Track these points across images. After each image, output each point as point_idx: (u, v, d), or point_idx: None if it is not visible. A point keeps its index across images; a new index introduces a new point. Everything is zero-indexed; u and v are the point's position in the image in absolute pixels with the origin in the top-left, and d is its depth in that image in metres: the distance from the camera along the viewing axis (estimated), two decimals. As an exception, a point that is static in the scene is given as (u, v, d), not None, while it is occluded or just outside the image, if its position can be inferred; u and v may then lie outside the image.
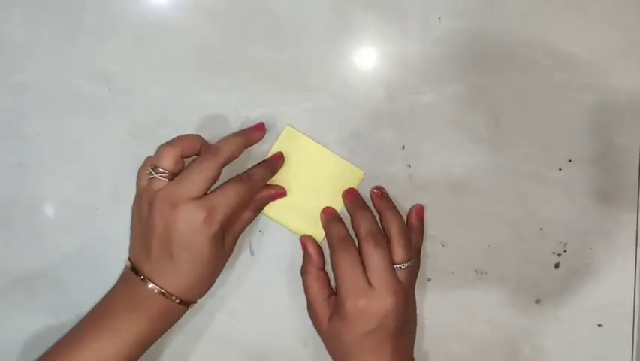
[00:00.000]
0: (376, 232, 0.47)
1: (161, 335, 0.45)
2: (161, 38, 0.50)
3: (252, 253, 0.52)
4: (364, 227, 0.47)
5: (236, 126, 0.51)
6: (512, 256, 0.52)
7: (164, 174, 0.44)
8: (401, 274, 0.46)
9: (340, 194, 0.51)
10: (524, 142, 0.50)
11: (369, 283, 0.45)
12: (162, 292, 0.43)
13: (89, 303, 0.52)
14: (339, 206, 0.51)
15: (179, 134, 0.50)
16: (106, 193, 0.51)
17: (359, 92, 0.50)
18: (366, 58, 0.50)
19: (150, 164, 0.45)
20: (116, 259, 0.49)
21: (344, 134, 0.51)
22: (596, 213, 0.51)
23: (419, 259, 0.50)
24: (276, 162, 0.50)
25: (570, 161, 0.50)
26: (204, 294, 0.47)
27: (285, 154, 0.50)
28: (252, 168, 0.49)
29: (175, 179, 0.44)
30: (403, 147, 0.51)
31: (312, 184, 0.51)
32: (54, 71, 0.50)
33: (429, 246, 0.52)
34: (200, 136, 0.47)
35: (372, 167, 0.51)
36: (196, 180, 0.43)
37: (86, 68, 0.50)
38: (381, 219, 0.49)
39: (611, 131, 0.49)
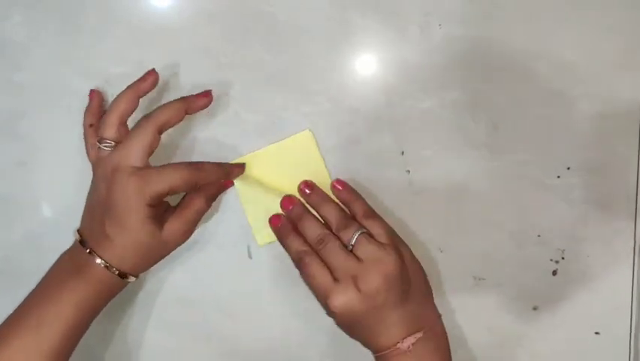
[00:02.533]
0: (343, 217, 0.47)
1: (105, 304, 0.46)
2: (160, 40, 0.50)
3: (250, 256, 0.52)
4: (332, 220, 0.47)
5: (235, 128, 0.51)
6: (510, 263, 0.52)
7: (107, 144, 0.45)
8: (367, 248, 0.45)
9: (308, 158, 0.50)
10: (523, 149, 0.50)
11: (359, 260, 0.44)
12: (101, 262, 0.44)
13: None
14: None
15: (177, 135, 0.50)
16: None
17: (358, 97, 0.50)
18: (366, 63, 0.50)
19: (95, 136, 0.47)
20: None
21: (343, 138, 0.51)
22: (594, 220, 0.51)
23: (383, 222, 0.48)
24: (233, 168, 0.49)
25: (568, 168, 0.50)
26: (143, 270, 0.47)
27: (286, 155, 0.50)
28: (208, 162, 0.48)
29: (116, 147, 0.45)
30: (403, 153, 0.51)
31: (286, 178, 0.50)
32: (54, 71, 0.50)
33: (427, 252, 0.52)
34: (132, 94, 0.46)
35: (370, 172, 0.51)
36: (133, 146, 0.44)
37: (85, 68, 0.50)
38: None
39: (610, 140, 0.50)
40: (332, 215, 0.47)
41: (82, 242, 0.45)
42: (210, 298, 0.51)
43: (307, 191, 0.49)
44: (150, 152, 0.45)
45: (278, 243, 0.49)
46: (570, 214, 0.51)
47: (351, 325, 0.45)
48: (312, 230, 0.47)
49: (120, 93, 0.46)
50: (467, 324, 0.52)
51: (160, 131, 0.45)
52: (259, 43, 0.50)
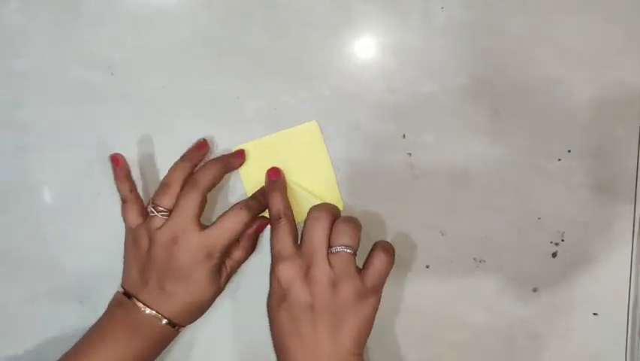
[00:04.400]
0: (327, 208, 0.47)
1: (156, 356, 0.48)
2: (160, 26, 0.50)
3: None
4: (319, 205, 0.48)
5: (236, 115, 0.51)
6: (510, 246, 0.52)
7: (164, 213, 0.47)
8: (335, 259, 0.44)
9: (312, 150, 0.50)
10: (524, 133, 0.50)
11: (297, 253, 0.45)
12: (157, 315, 0.46)
13: (89, 289, 0.53)
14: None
15: (178, 122, 0.50)
16: (107, 179, 0.51)
17: (359, 83, 0.50)
18: (367, 48, 0.50)
19: (139, 201, 0.49)
20: (117, 246, 0.50)
21: (343, 124, 0.51)
22: (594, 204, 0.51)
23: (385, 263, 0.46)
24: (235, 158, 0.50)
25: (569, 152, 0.50)
26: (195, 320, 0.49)
27: (292, 144, 0.50)
28: (248, 198, 0.50)
29: (170, 216, 0.47)
30: (404, 136, 0.51)
31: (290, 168, 0.50)
32: (53, 58, 0.50)
33: (428, 234, 0.52)
34: (188, 164, 0.49)
35: (372, 155, 0.51)
36: (186, 214, 0.47)
37: (85, 55, 0.50)
38: None
39: (610, 124, 0.50)
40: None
41: (128, 297, 0.47)
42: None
43: None
44: (201, 213, 0.47)
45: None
46: (570, 197, 0.51)
47: (277, 308, 0.45)
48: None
49: (180, 163, 0.49)
50: (467, 306, 0.53)
51: (205, 194, 0.47)
52: (259, 28, 0.50)
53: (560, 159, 0.50)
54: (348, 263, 0.44)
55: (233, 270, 0.50)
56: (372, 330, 0.46)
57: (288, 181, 0.50)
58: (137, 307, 0.46)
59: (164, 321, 0.46)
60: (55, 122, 0.51)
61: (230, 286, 0.51)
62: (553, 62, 0.49)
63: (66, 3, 0.50)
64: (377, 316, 0.46)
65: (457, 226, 0.52)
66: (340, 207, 0.51)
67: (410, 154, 0.51)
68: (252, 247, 0.51)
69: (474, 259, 0.53)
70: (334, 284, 0.44)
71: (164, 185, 0.48)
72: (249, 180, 0.51)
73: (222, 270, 0.49)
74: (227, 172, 0.50)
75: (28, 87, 0.51)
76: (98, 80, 0.50)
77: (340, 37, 0.50)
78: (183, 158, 0.49)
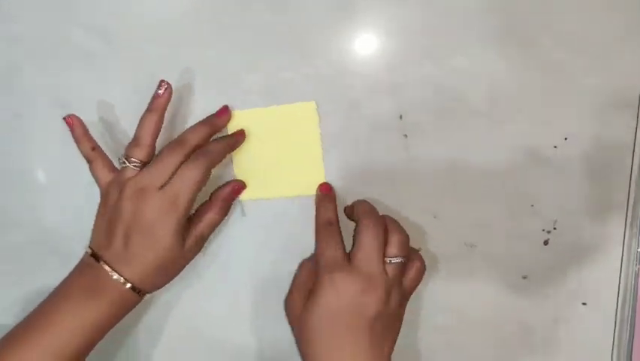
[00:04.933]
0: (377, 215, 0.48)
1: (117, 322, 0.46)
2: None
3: (244, 214, 0.52)
4: (365, 207, 0.48)
5: (235, 88, 0.51)
6: (502, 231, 0.52)
7: (137, 164, 0.46)
8: (390, 269, 0.46)
9: (305, 129, 0.50)
10: (521, 118, 0.50)
11: (350, 262, 0.45)
12: (120, 280, 0.45)
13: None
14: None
15: (177, 95, 0.50)
16: (103, 145, 0.50)
17: (359, 61, 0.50)
18: (368, 26, 0.50)
19: (104, 157, 0.48)
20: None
21: (342, 101, 0.51)
22: (588, 192, 0.51)
23: (421, 272, 0.49)
24: (236, 139, 0.50)
25: (566, 139, 0.50)
26: (160, 287, 0.48)
27: (285, 120, 0.50)
28: (209, 143, 0.49)
29: (145, 168, 0.46)
30: (401, 117, 0.51)
31: (279, 143, 0.51)
32: (51, 22, 0.50)
33: (421, 217, 0.52)
34: (154, 116, 0.47)
35: (368, 135, 0.51)
36: (163, 170, 0.45)
37: (85, 21, 0.50)
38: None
39: (609, 112, 0.50)
40: (367, 205, 0.49)
41: (97, 260, 0.46)
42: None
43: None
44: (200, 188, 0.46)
45: (260, 202, 0.51)
46: (565, 185, 0.51)
47: (313, 317, 0.45)
48: (370, 206, 0.49)
49: (147, 115, 0.47)
50: (456, 291, 0.53)
51: (189, 156, 0.46)
52: (261, 2, 0.49)
53: (555, 146, 0.50)
54: (400, 273, 0.47)
55: (205, 234, 0.49)
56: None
57: (274, 154, 0.51)
58: (102, 269, 0.45)
59: (128, 285, 0.45)
60: (53, 90, 0.51)
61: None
62: (554, 48, 0.49)
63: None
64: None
65: (450, 210, 0.52)
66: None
67: (406, 135, 0.51)
68: (225, 210, 0.50)
69: (465, 243, 0.53)
70: (388, 293, 0.45)
71: (136, 138, 0.47)
72: (238, 149, 0.51)
73: (191, 231, 0.48)
74: (213, 133, 0.49)
75: (25, 52, 0.50)
76: (97, 48, 0.50)
77: (341, 13, 0.50)
78: (151, 109, 0.47)
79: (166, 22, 0.50)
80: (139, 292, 0.46)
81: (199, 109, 0.51)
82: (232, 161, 0.51)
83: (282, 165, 0.51)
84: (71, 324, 0.44)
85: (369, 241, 0.45)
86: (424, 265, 0.48)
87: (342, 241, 0.47)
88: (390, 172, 0.51)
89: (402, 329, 0.47)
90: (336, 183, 0.51)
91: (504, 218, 0.52)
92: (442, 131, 0.51)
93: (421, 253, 0.52)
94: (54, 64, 0.51)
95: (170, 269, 0.47)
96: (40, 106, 0.52)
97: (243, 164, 0.51)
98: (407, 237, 0.47)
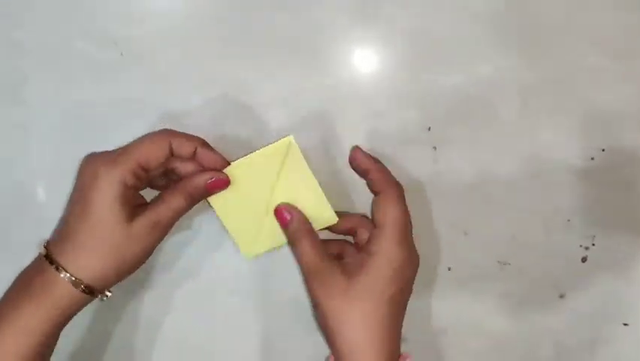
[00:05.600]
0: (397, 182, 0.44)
1: (67, 322, 0.41)
2: (173, 3, 0.47)
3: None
4: (387, 175, 0.44)
5: (252, 99, 0.48)
6: (537, 248, 0.49)
7: None
8: None
9: (292, 166, 0.45)
10: (555, 128, 0.48)
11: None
12: (65, 276, 0.39)
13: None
14: None
15: (188, 104, 0.47)
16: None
17: (382, 71, 0.48)
18: (391, 34, 0.47)
19: None
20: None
21: (366, 113, 0.48)
22: (627, 206, 0.48)
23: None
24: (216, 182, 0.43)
25: (603, 150, 0.48)
26: (111, 281, 0.41)
27: (269, 164, 0.44)
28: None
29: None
30: (429, 129, 0.48)
31: (270, 189, 0.45)
32: (57, 30, 0.47)
33: (450, 234, 0.49)
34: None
35: (395, 147, 0.48)
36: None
37: (93, 29, 0.47)
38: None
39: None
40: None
41: (47, 257, 0.40)
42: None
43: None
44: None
45: (265, 255, 0.46)
46: (603, 199, 0.48)
47: (374, 293, 0.41)
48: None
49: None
50: (489, 310, 0.50)
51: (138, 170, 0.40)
52: (278, 10, 0.47)
53: (593, 158, 0.48)
54: None
55: (163, 219, 0.41)
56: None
57: (269, 202, 0.45)
58: (42, 264, 0.39)
59: (72, 279, 0.39)
60: (58, 100, 0.48)
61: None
62: (590, 53, 0.47)
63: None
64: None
65: (482, 225, 0.49)
66: (334, 220, 0.46)
67: (435, 148, 0.48)
68: (194, 199, 0.42)
69: (498, 261, 0.50)
70: None
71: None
72: (220, 206, 0.45)
73: (146, 213, 0.40)
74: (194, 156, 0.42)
75: (29, 61, 0.48)
76: (106, 57, 0.47)
77: (363, 22, 0.47)
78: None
79: (178, 30, 0.47)
80: (89, 291, 0.40)
81: (210, 121, 0.48)
82: (223, 222, 0.45)
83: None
84: (19, 337, 0.38)
85: (403, 215, 0.42)
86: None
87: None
88: (418, 186, 0.49)
89: (433, 353, 0.45)
90: (362, 198, 0.48)
91: (539, 234, 0.49)
92: (471, 143, 0.48)
93: (451, 271, 0.50)
94: (60, 73, 0.48)
95: (118, 256, 0.40)
96: (45, 117, 0.49)
97: (236, 222, 0.45)
98: None
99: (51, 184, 0.49)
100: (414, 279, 0.43)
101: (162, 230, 0.41)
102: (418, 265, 0.43)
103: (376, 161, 0.44)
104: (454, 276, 0.50)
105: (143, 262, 0.42)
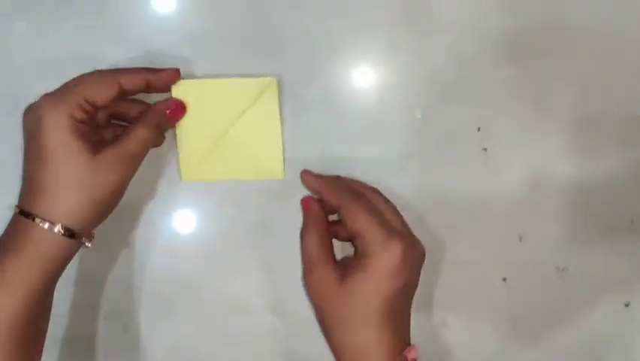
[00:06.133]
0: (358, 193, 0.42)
1: (56, 275, 0.39)
2: (206, 11, 0.45)
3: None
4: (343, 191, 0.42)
5: (292, 101, 0.45)
6: (598, 252, 0.46)
7: None
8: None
9: (263, 108, 0.44)
10: (616, 121, 0.45)
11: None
12: (43, 224, 0.37)
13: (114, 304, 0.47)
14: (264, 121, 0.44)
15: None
16: (141, 185, 0.45)
17: (428, 66, 0.45)
18: (437, 24, 0.45)
19: None
20: (140, 256, 0.44)
21: (412, 112, 0.45)
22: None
23: None
24: (163, 73, 0.42)
25: (667, 145, 0.45)
26: (91, 222, 0.39)
27: (243, 96, 0.44)
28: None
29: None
30: (479, 129, 0.45)
31: (232, 121, 0.44)
32: (85, 39, 0.45)
33: (504, 240, 0.46)
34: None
35: (443, 149, 0.45)
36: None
37: (122, 37, 0.45)
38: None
39: None
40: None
41: (21, 212, 0.38)
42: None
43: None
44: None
45: (201, 183, 0.45)
46: (668, 197, 0.45)
47: (366, 295, 0.39)
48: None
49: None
50: (549, 320, 0.47)
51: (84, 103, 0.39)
52: (314, 4, 0.45)
53: (656, 154, 0.45)
54: None
55: (131, 149, 0.40)
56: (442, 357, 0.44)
57: (227, 133, 0.44)
58: (21, 218, 0.38)
59: (48, 224, 0.37)
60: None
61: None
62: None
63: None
64: (443, 339, 0.45)
65: (538, 230, 0.46)
66: (279, 176, 0.45)
67: (486, 149, 0.45)
68: (160, 127, 0.42)
69: (556, 267, 0.47)
70: None
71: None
72: (182, 120, 0.44)
73: (111, 146, 0.39)
74: (149, 87, 0.42)
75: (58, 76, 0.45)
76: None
77: (407, 10, 0.44)
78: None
79: (203, 34, 0.45)
80: (69, 233, 0.38)
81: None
82: (178, 137, 0.44)
83: (235, 145, 0.45)
84: (4, 291, 0.37)
85: (394, 212, 0.42)
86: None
87: (377, 208, 0.42)
88: (468, 190, 0.46)
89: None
90: (409, 203, 0.45)
91: (599, 236, 0.46)
92: (525, 142, 0.45)
93: (506, 281, 0.46)
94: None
95: (89, 192, 0.38)
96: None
97: (189, 142, 0.44)
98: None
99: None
100: (418, 269, 0.41)
101: (131, 161, 0.40)
102: (421, 256, 0.41)
103: (326, 181, 0.44)
104: (511, 285, 0.46)
105: (118, 199, 0.41)
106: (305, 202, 0.44)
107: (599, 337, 0.47)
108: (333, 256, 0.42)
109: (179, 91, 0.43)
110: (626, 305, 0.47)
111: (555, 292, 0.47)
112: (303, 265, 0.42)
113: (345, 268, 0.40)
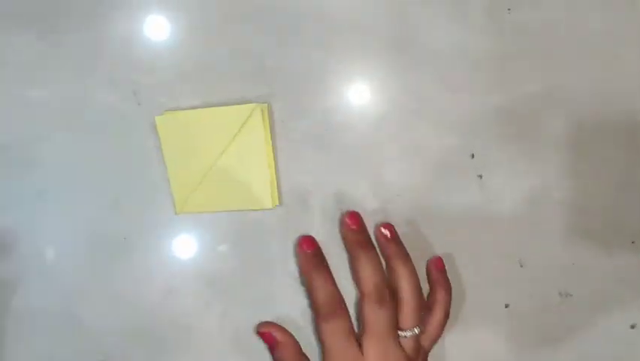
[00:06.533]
0: (382, 286, 0.41)
1: None
2: (194, 44, 0.45)
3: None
4: (367, 276, 0.41)
5: (281, 137, 0.45)
6: (601, 275, 0.45)
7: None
8: (407, 344, 0.41)
9: (249, 136, 0.43)
10: (610, 146, 0.44)
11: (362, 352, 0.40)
12: None
13: (114, 348, 0.46)
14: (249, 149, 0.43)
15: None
16: (135, 221, 0.44)
17: (418, 95, 0.44)
18: (425, 54, 0.44)
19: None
20: (143, 299, 0.44)
21: (403, 143, 0.45)
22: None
23: (443, 325, 0.43)
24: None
25: (664, 164, 0.44)
26: None
27: (229, 124, 0.43)
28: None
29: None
30: (473, 156, 0.45)
31: (220, 150, 0.44)
32: (73, 86, 0.45)
33: (505, 266, 0.45)
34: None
35: (436, 178, 0.45)
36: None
37: (110, 80, 0.45)
38: (387, 268, 0.43)
39: None
40: (370, 270, 0.42)
41: None
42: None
43: (384, 231, 0.43)
44: None
45: (196, 215, 0.44)
46: (669, 216, 0.44)
47: None
48: (374, 272, 0.42)
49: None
50: (553, 347, 0.46)
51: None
52: (308, 42, 0.44)
53: (654, 173, 0.44)
54: (417, 343, 0.42)
55: None
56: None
57: (216, 163, 0.44)
58: None
59: None
60: (77, 158, 0.45)
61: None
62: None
63: (90, 25, 0.44)
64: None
65: (538, 255, 0.45)
66: (268, 205, 0.44)
67: (481, 176, 0.45)
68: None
69: (559, 293, 0.46)
70: None
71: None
72: (171, 153, 0.44)
73: None
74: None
75: (46, 119, 0.45)
76: (125, 107, 0.44)
77: (396, 42, 0.44)
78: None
79: (200, 73, 0.45)
80: None
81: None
82: (168, 170, 0.44)
83: (225, 175, 0.44)
84: None
85: (379, 325, 0.40)
86: (447, 314, 0.43)
87: (350, 328, 0.41)
88: (465, 218, 0.45)
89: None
90: (406, 233, 0.45)
91: (601, 259, 0.45)
92: (520, 168, 0.45)
93: (509, 309, 0.45)
94: (78, 129, 0.45)
95: None
96: (64, 178, 0.46)
97: (180, 174, 0.44)
98: (419, 299, 0.42)
99: (66, 250, 0.46)
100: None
101: None
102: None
103: (403, 254, 0.43)
104: (513, 313, 0.46)
105: None
106: (266, 334, 0.43)
107: (606, 360, 0.46)
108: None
109: (165, 123, 0.43)
110: (632, 327, 0.46)
111: (559, 318, 0.46)
112: (319, 310, 0.41)
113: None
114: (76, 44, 0.44)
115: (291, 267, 0.44)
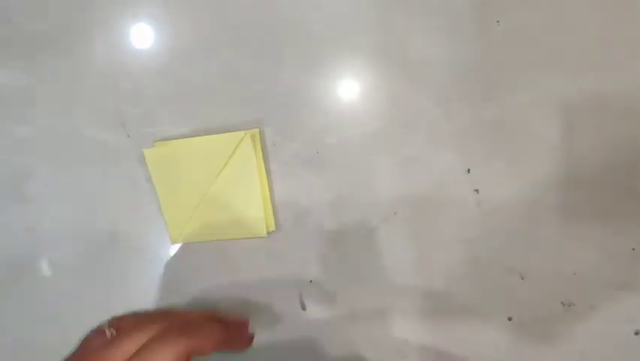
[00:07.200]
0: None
1: None
2: (182, 71, 0.44)
3: (304, 308, 0.45)
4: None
5: (274, 158, 0.44)
6: (603, 283, 0.45)
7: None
8: None
9: (241, 163, 0.43)
10: (605, 148, 0.44)
11: None
12: None
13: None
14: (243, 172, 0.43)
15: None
16: (126, 254, 0.44)
17: (412, 110, 0.44)
18: (417, 69, 0.44)
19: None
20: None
21: (398, 160, 0.44)
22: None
23: None
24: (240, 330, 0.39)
25: (662, 169, 0.43)
26: None
27: (220, 152, 0.43)
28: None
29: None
30: (468, 171, 0.44)
31: (212, 179, 0.43)
32: (61, 120, 0.44)
33: (506, 280, 0.45)
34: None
35: (433, 194, 0.44)
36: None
37: (97, 112, 0.44)
38: None
39: None
40: None
41: None
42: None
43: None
44: None
45: (192, 244, 0.44)
46: (669, 221, 0.44)
47: None
48: None
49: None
50: (559, 357, 0.46)
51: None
52: (292, 59, 0.44)
53: (652, 179, 0.44)
54: None
55: None
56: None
57: (208, 192, 0.43)
58: None
59: None
60: (66, 193, 0.45)
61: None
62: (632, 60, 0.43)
63: (74, 56, 0.44)
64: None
65: (539, 266, 0.45)
66: (262, 233, 0.43)
67: (477, 190, 0.44)
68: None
69: (562, 303, 0.45)
70: None
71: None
72: (163, 184, 0.43)
73: None
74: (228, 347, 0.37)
75: (34, 154, 0.44)
76: (113, 140, 0.44)
77: (386, 57, 0.44)
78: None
79: (188, 102, 0.44)
80: None
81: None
82: (161, 202, 0.44)
83: (218, 204, 0.44)
84: None
85: None
86: None
87: None
88: (463, 233, 0.45)
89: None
90: (404, 250, 0.44)
91: (603, 267, 0.45)
92: (516, 179, 0.44)
93: (512, 321, 0.45)
94: (66, 164, 0.45)
95: None
96: (54, 213, 0.45)
97: (173, 205, 0.44)
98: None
99: (65, 290, 0.45)
100: None
101: None
102: None
103: None
104: (516, 325, 0.45)
105: None
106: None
107: (613, 368, 0.46)
108: None
109: (154, 155, 0.42)
110: (637, 333, 0.45)
111: (563, 328, 0.45)
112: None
113: None
114: (61, 77, 0.43)
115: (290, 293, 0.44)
